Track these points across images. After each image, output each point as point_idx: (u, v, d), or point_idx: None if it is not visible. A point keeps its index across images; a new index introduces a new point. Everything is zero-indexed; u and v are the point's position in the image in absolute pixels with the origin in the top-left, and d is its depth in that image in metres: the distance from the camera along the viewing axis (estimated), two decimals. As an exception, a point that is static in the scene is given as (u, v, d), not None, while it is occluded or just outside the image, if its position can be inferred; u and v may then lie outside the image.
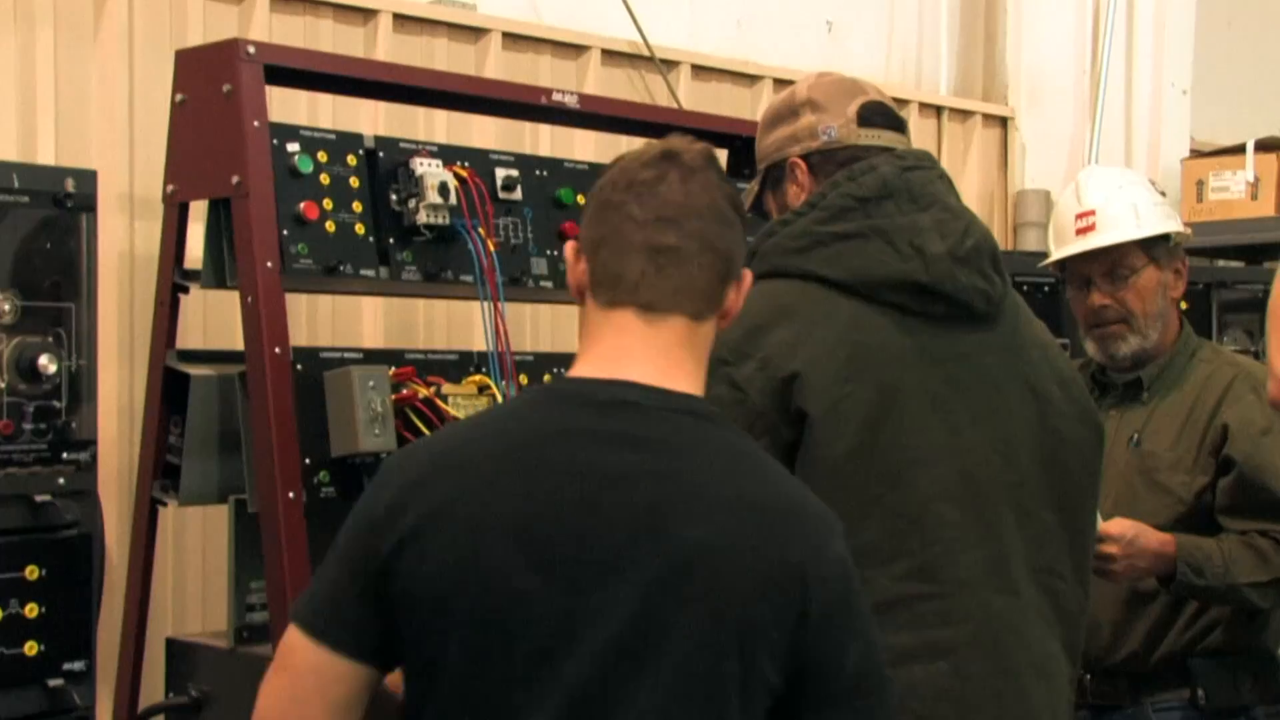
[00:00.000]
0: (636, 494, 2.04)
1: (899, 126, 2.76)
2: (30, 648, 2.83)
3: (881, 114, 2.76)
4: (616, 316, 2.16)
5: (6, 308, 2.83)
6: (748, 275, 2.27)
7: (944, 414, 2.59)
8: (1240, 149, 5.71)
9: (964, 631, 2.55)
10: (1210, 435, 3.48)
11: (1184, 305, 3.79)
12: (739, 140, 4.06)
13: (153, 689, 3.32)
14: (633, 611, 2.00)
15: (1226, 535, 3.40)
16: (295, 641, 2.11)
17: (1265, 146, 5.63)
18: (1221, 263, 5.88)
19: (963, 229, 2.65)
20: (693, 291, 2.16)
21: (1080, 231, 3.58)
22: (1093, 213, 3.60)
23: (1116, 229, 3.55)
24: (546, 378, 3.33)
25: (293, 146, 3.03)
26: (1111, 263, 3.55)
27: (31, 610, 2.83)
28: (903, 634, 2.49)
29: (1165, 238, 3.58)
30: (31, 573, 2.83)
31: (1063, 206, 3.70)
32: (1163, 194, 3.72)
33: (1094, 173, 3.80)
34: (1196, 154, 5.97)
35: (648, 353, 2.15)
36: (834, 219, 2.62)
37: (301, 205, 3.01)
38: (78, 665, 2.89)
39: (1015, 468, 2.64)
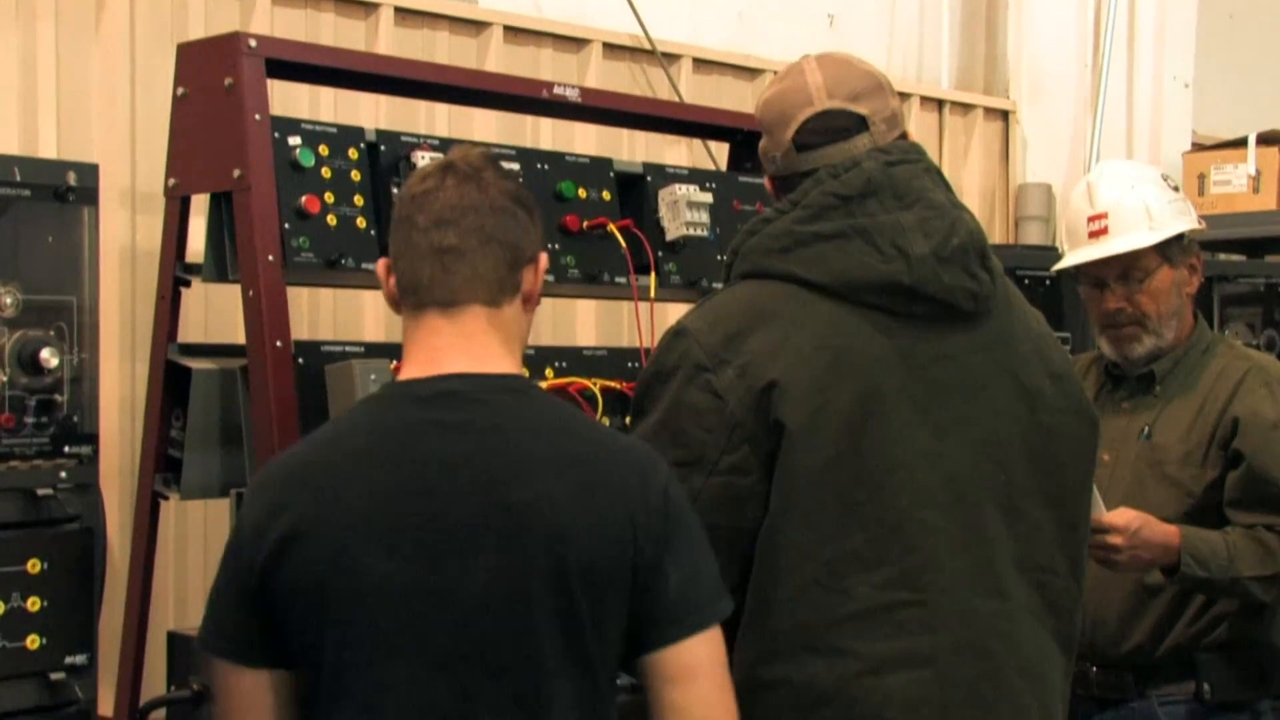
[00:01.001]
0: (471, 472, 2.24)
1: (846, 131, 2.66)
2: (32, 641, 2.82)
3: (821, 130, 2.67)
4: (424, 319, 2.35)
5: (8, 301, 2.82)
6: (542, 257, 2.43)
7: (927, 418, 2.57)
8: (1242, 142, 5.72)
9: (947, 638, 2.55)
10: (1221, 429, 3.48)
11: (1187, 298, 3.78)
12: (740, 134, 4.06)
13: (154, 682, 3.32)
14: (488, 576, 2.20)
15: (1232, 529, 3.40)
16: (217, 669, 2.31)
17: (1267, 140, 5.64)
18: (1223, 256, 5.89)
19: (947, 227, 2.61)
20: (481, 281, 2.34)
21: (1093, 235, 3.57)
22: (1105, 215, 3.58)
23: (1129, 234, 3.53)
24: (548, 371, 3.33)
25: (294, 140, 3.03)
26: (1125, 266, 3.53)
27: (33, 604, 2.82)
28: (885, 642, 2.51)
29: (1179, 236, 3.57)
30: (33, 566, 2.82)
31: (1074, 207, 3.67)
32: (1176, 188, 3.69)
33: (1106, 171, 3.76)
34: (1198, 147, 5.98)
35: (458, 344, 2.33)
36: (815, 218, 2.58)
37: (303, 199, 3.00)
38: (79, 659, 2.88)
39: (1003, 467, 2.63)
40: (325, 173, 3.06)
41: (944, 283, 2.58)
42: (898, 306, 2.57)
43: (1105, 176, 3.71)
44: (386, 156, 3.15)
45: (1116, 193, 3.60)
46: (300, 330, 3.21)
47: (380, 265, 2.42)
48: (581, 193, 3.43)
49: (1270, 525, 3.40)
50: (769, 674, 2.50)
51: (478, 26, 4.53)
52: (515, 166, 3.30)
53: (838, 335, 2.54)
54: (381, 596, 2.20)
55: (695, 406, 2.50)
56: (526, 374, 2.44)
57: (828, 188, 2.59)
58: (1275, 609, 3.49)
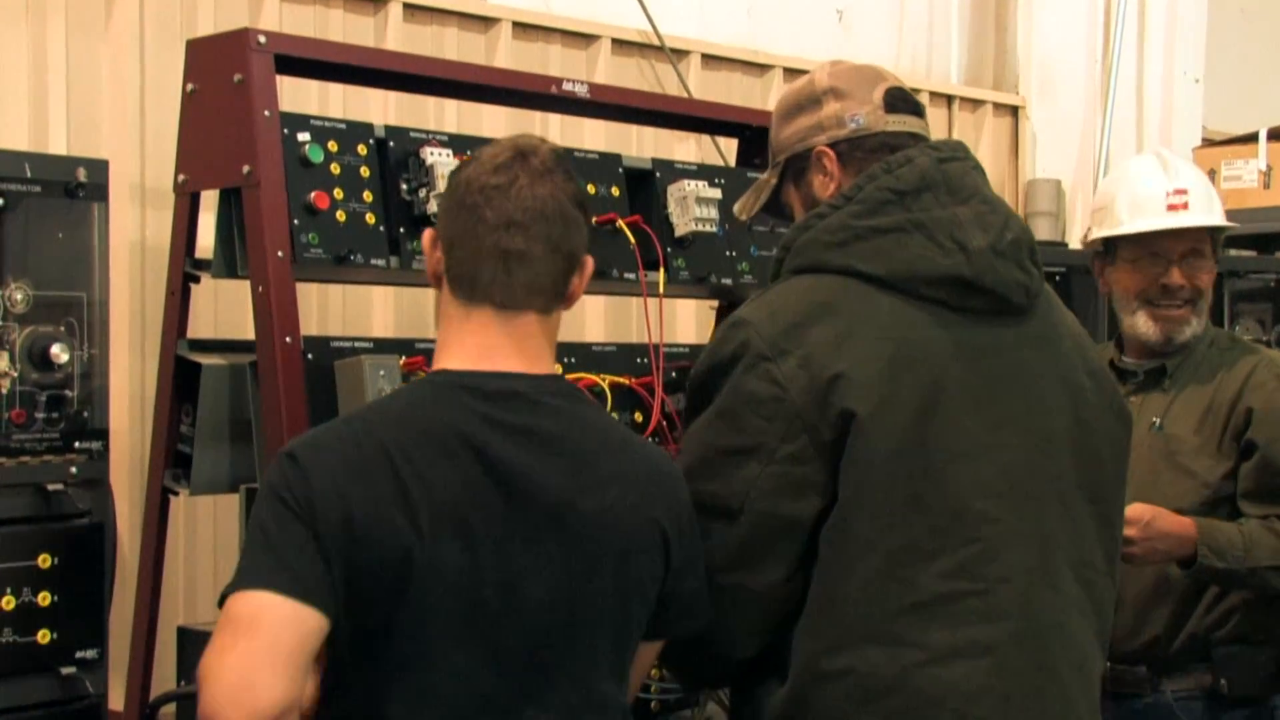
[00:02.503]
0: (542, 477, 2.30)
1: (920, 112, 2.76)
2: (43, 636, 2.83)
3: (904, 100, 2.75)
4: (476, 313, 2.38)
5: (19, 297, 2.83)
6: (589, 261, 2.46)
7: (984, 410, 2.58)
8: (1253, 138, 5.71)
9: (1005, 628, 2.55)
10: (1234, 420, 3.50)
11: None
12: (749, 130, 4.06)
13: (164, 677, 3.34)
14: (553, 580, 2.28)
15: (1247, 519, 3.42)
16: (261, 603, 2.18)
17: (1278, 135, 5.63)
18: (1233, 252, 5.87)
19: (1002, 222, 2.64)
20: (540, 290, 2.38)
21: (1173, 208, 3.57)
22: (1187, 191, 3.60)
23: (1211, 213, 3.60)
24: (557, 367, 3.33)
25: (303, 136, 3.02)
26: (1195, 243, 3.58)
27: (44, 599, 2.82)
28: (944, 632, 2.51)
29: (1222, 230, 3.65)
30: (44, 561, 2.82)
31: (1143, 179, 3.65)
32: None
33: (1172, 154, 3.81)
34: (1209, 143, 5.98)
35: (510, 346, 2.37)
36: (872, 213, 2.60)
37: (312, 195, 3.00)
38: (90, 653, 2.89)
39: (1055, 461, 2.64)
40: (334, 169, 3.06)
41: (1000, 276, 2.61)
42: (955, 300, 2.59)
43: (1174, 158, 3.75)
44: (395, 152, 3.15)
45: (1193, 174, 3.67)
46: (309, 326, 3.22)
47: (427, 237, 2.44)
48: (590, 188, 3.42)
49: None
50: (832, 665, 2.51)
51: (486, 22, 4.54)
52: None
53: (899, 327, 2.56)
54: (453, 587, 2.24)
55: (755, 395, 2.51)
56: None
57: (883, 183, 2.61)
58: None
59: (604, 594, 2.31)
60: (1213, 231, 3.61)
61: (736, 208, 2.98)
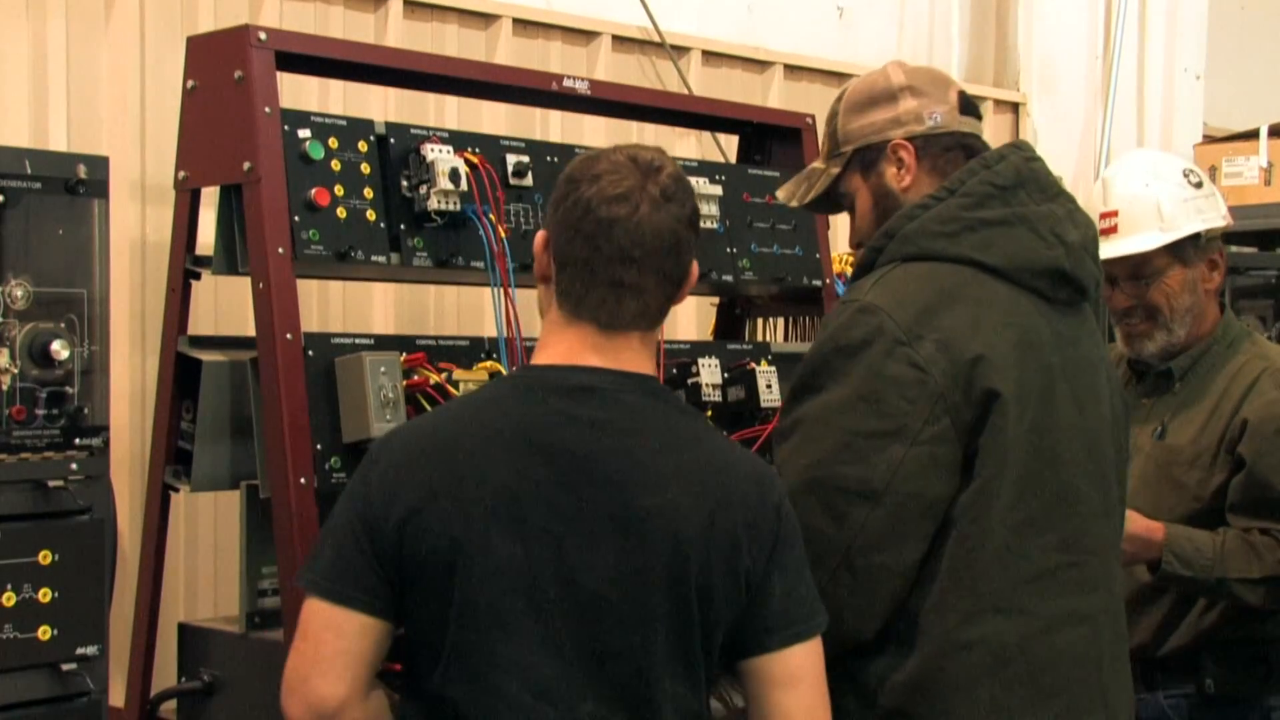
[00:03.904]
0: (603, 471, 2.33)
1: (981, 116, 2.90)
2: (44, 632, 2.81)
3: (971, 104, 2.89)
4: (579, 327, 2.43)
5: (19, 294, 2.81)
6: (694, 270, 2.51)
7: (1073, 393, 2.72)
8: (1254, 134, 5.73)
9: (1098, 600, 2.73)
10: (1230, 431, 3.48)
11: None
12: (749, 126, 4.08)
13: (165, 673, 3.33)
14: (609, 573, 2.30)
15: (1227, 530, 3.40)
16: (312, 608, 2.37)
17: (1279, 132, 5.64)
18: (1234, 248, 5.88)
19: (1085, 219, 2.81)
20: (647, 316, 2.44)
21: (1103, 233, 3.55)
22: (1115, 214, 3.58)
23: (1138, 234, 3.53)
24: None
25: (304, 133, 3.03)
26: (1134, 265, 3.53)
27: (45, 595, 2.81)
28: (1054, 601, 2.65)
29: (1194, 235, 3.55)
30: (45, 558, 2.81)
31: (1091, 201, 3.65)
32: (1199, 184, 3.65)
33: (1126, 164, 3.77)
34: (1209, 139, 5.99)
35: (604, 357, 2.42)
36: (979, 205, 2.71)
37: (313, 191, 3.00)
38: (91, 650, 2.87)
39: (1108, 444, 2.80)
40: (335, 165, 3.06)
41: (1087, 270, 2.78)
42: (1049, 290, 2.74)
43: (1123, 171, 3.71)
44: (396, 149, 3.15)
45: (1131, 190, 3.60)
46: (310, 322, 3.22)
47: (539, 239, 2.48)
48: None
49: (1266, 529, 3.40)
50: (967, 636, 2.60)
51: (487, 19, 4.54)
52: (525, 159, 3.30)
53: (1016, 314, 2.68)
54: (507, 578, 2.30)
55: (897, 378, 2.58)
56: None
57: (984, 177, 2.73)
58: None
59: (659, 590, 2.32)
60: (1173, 245, 3.53)
61: (783, 194, 3.06)
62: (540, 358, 2.46)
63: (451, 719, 2.34)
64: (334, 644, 2.35)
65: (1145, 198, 3.57)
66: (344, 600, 2.35)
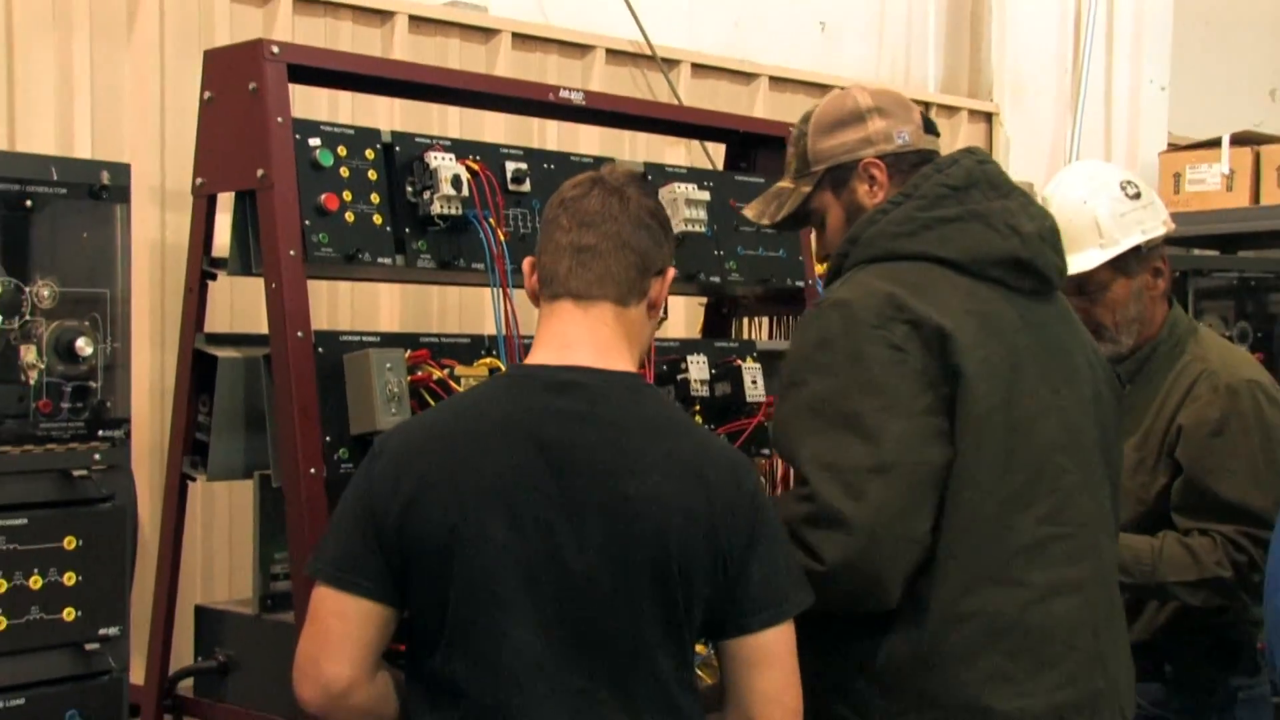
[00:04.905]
0: (590, 461, 2.36)
1: (939, 135, 2.95)
2: (68, 614, 2.84)
3: (933, 124, 2.95)
4: (558, 307, 2.49)
5: (46, 294, 2.83)
6: (669, 271, 2.56)
7: (1046, 375, 2.74)
8: (1216, 143, 5.71)
9: (1087, 569, 2.74)
10: (1169, 437, 3.45)
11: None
12: (736, 135, 4.08)
13: (183, 653, 3.34)
14: (598, 557, 2.32)
15: (1167, 533, 3.37)
16: (320, 594, 2.41)
17: (1240, 140, 5.63)
18: (1197, 251, 5.89)
19: (1041, 212, 2.84)
20: (612, 280, 2.48)
21: None
22: None
23: (1077, 253, 3.44)
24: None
25: (314, 141, 3.03)
26: (1078, 281, 3.45)
27: (69, 578, 2.83)
28: (1045, 572, 2.67)
29: (1135, 248, 3.50)
30: (69, 543, 2.84)
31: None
32: (1136, 195, 3.58)
33: (1061, 183, 3.69)
34: (1174, 147, 5.97)
35: (585, 337, 2.47)
36: (933, 206, 2.75)
37: (322, 197, 3.01)
38: (113, 630, 2.90)
39: (1094, 424, 2.83)
40: (344, 172, 3.06)
41: (1048, 258, 2.81)
42: (1011, 279, 2.76)
43: (1061, 187, 3.65)
44: (401, 156, 3.15)
45: (1069, 206, 3.52)
46: (320, 321, 3.22)
47: (526, 263, 2.57)
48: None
49: (1205, 530, 3.36)
50: (966, 607, 2.62)
51: (487, 33, 4.53)
52: (523, 166, 3.31)
53: (976, 302, 2.70)
54: (501, 563, 2.32)
55: (878, 360, 2.61)
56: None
57: (938, 180, 2.78)
58: (1254, 587, 3.36)
59: (644, 570, 2.33)
60: (1114, 260, 3.48)
61: (752, 213, 3.06)
62: (532, 356, 2.49)
63: (452, 694, 2.35)
64: (341, 629, 2.38)
65: (1083, 214, 3.52)
66: (350, 587, 2.38)
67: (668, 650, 2.36)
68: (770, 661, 2.42)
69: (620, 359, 2.48)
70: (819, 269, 4.03)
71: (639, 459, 2.37)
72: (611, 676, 2.33)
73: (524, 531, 2.32)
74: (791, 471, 3.72)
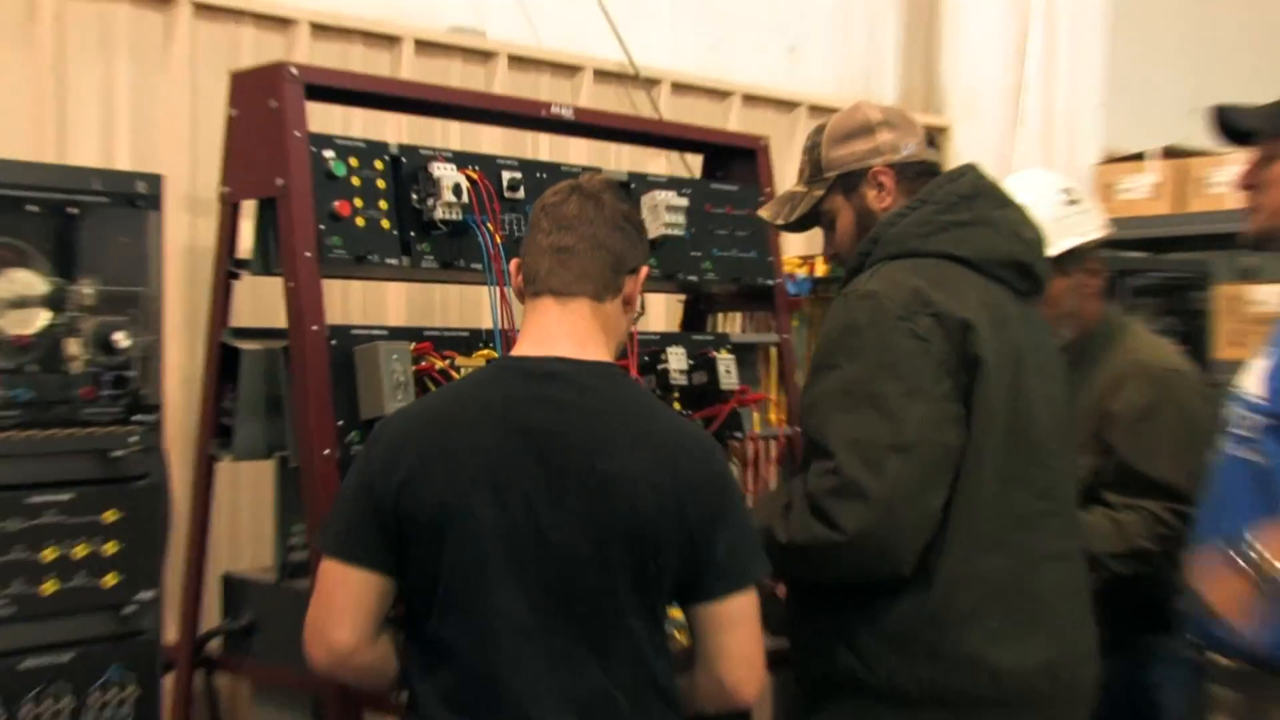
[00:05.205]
0: (569, 443, 2.34)
1: (939, 147, 2.96)
2: (108, 580, 2.84)
3: (933, 138, 3.02)
4: (539, 303, 2.48)
5: (88, 291, 2.83)
6: (643, 269, 2.55)
7: (1037, 368, 2.76)
8: (1145, 156, 5.70)
9: (1073, 542, 2.80)
10: (1101, 420, 3.44)
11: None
12: (711, 147, 4.09)
13: (211, 615, 3.35)
14: (576, 530, 2.31)
15: (1095, 508, 3.36)
16: (326, 566, 2.42)
17: (1167, 154, 5.62)
18: (1129, 253, 5.88)
19: (1033, 223, 2.87)
20: (589, 278, 2.46)
21: None
22: None
23: None
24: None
25: (328, 153, 3.04)
26: None
27: (109, 548, 2.84)
28: (1038, 542, 2.71)
29: (1072, 249, 3.50)
30: (109, 516, 2.84)
31: None
32: (1074, 201, 3.59)
33: (1007, 189, 3.71)
34: (1108, 160, 5.96)
35: (565, 330, 2.46)
36: (948, 210, 2.77)
37: (336, 203, 3.01)
38: (148, 595, 2.89)
39: (1066, 415, 2.85)
40: (355, 181, 3.06)
41: (1042, 263, 2.85)
42: (1013, 280, 2.79)
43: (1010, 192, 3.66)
44: (407, 167, 3.15)
45: None
46: (334, 316, 3.20)
47: (513, 264, 2.56)
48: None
49: (1133, 506, 3.37)
50: (970, 571, 2.64)
51: (486, 56, 4.52)
52: (518, 175, 3.30)
53: (988, 296, 2.73)
54: (488, 536, 2.31)
55: (905, 348, 2.61)
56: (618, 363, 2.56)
57: (949, 189, 2.81)
58: (1177, 556, 3.34)
59: (619, 542, 2.32)
60: (1053, 259, 3.38)
61: (767, 214, 3.07)
62: (517, 348, 2.49)
63: (446, 655, 2.36)
64: (344, 597, 2.40)
65: (1026, 210, 3.53)
66: (352, 559, 2.39)
67: (640, 614, 2.36)
68: (735, 624, 2.42)
69: (597, 350, 2.47)
70: (788, 266, 4.05)
71: (613, 440, 2.35)
72: (588, 638, 2.33)
73: (508, 507, 2.32)
74: (763, 453, 3.77)
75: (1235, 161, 5.04)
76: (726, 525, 2.39)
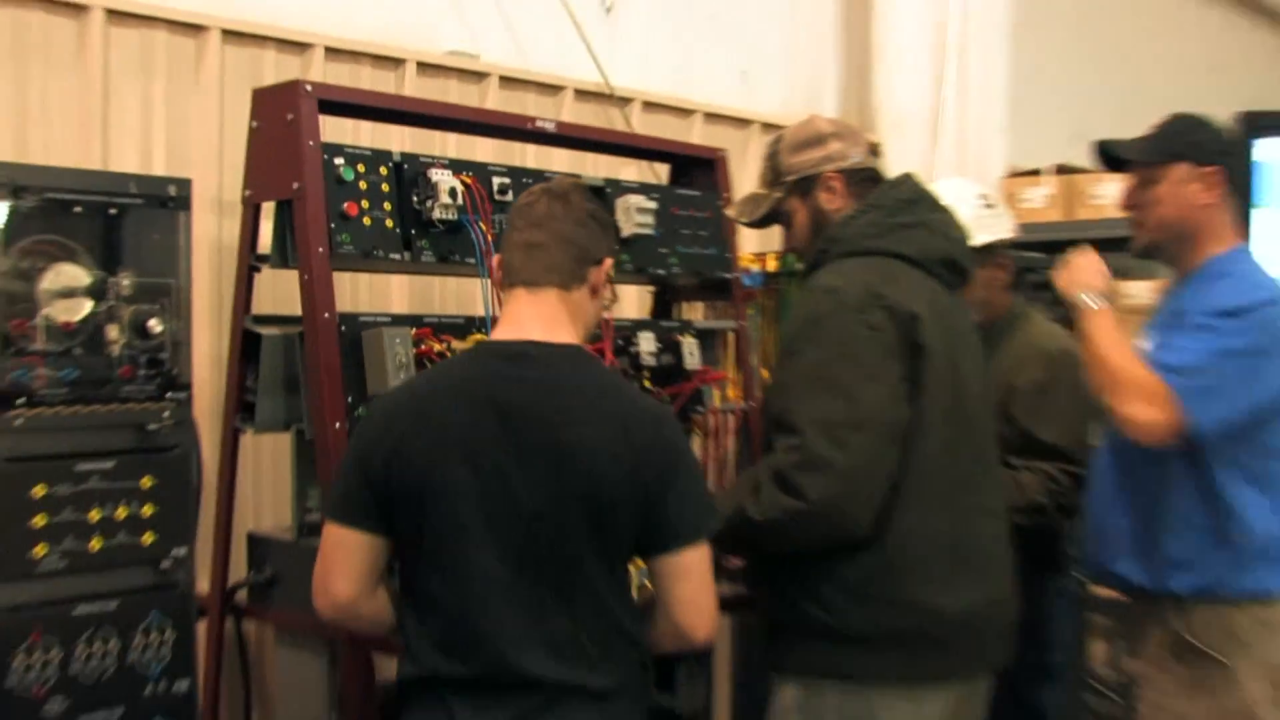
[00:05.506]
0: (534, 415, 2.29)
1: (881, 155, 2.92)
2: (147, 538, 2.79)
3: (876, 147, 3.00)
4: (514, 293, 2.42)
5: (126, 283, 2.77)
6: (607, 260, 2.47)
7: (967, 349, 2.74)
8: (1040, 172, 5.74)
9: (998, 498, 2.78)
10: (1004, 395, 3.41)
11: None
12: (677, 158, 4.05)
13: (238, 569, 3.28)
14: (541, 492, 2.27)
15: (1001, 469, 3.31)
16: (327, 528, 2.39)
17: (1058, 171, 5.69)
18: (1028, 254, 5.86)
19: (960, 225, 2.83)
20: (556, 270, 2.40)
21: None
22: None
23: None
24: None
25: (339, 160, 2.98)
26: None
27: (147, 510, 2.78)
28: (974, 497, 2.70)
29: (986, 245, 3.48)
30: (146, 482, 2.78)
31: None
32: (990, 205, 3.60)
33: (937, 190, 3.69)
34: (1011, 174, 6.01)
35: (535, 317, 2.40)
36: (893, 214, 2.74)
37: (345, 205, 2.96)
38: (182, 551, 2.84)
39: (989, 387, 2.84)
40: (362, 185, 3.00)
41: (968, 259, 2.82)
42: (946, 275, 2.75)
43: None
44: (409, 173, 3.09)
45: None
46: (343, 305, 3.17)
47: (495, 259, 2.51)
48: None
49: (1030, 467, 3.37)
50: (920, 526, 2.62)
51: (479, 76, 4.47)
52: (507, 180, 3.24)
53: (928, 290, 2.69)
54: (464, 498, 2.27)
55: (860, 337, 2.58)
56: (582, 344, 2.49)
57: (894, 194, 2.80)
58: (1068, 508, 3.39)
59: (579, 505, 2.27)
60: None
61: (734, 213, 3.03)
62: (494, 334, 2.44)
63: (431, 605, 2.32)
64: (343, 556, 2.36)
65: (953, 213, 3.52)
66: (349, 522, 2.35)
67: (600, 567, 2.31)
68: (687, 574, 2.35)
69: (564, 333, 2.40)
70: (743, 262, 4.00)
71: (573, 413, 2.29)
72: (555, 588, 2.29)
73: (482, 474, 2.27)
74: (722, 425, 3.70)
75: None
76: (677, 487, 2.33)
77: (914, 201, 2.78)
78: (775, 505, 2.57)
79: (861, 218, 2.75)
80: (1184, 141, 2.93)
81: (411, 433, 2.30)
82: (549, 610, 2.28)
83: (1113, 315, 2.96)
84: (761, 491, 2.60)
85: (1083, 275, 2.99)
